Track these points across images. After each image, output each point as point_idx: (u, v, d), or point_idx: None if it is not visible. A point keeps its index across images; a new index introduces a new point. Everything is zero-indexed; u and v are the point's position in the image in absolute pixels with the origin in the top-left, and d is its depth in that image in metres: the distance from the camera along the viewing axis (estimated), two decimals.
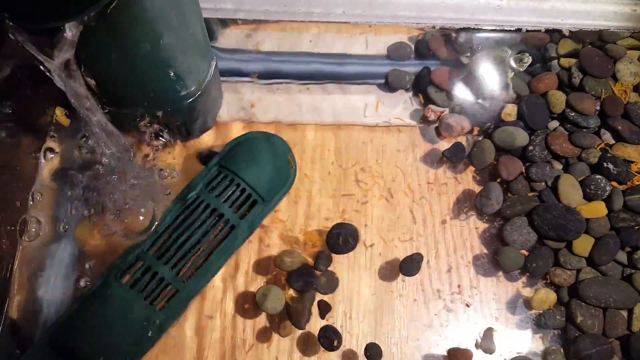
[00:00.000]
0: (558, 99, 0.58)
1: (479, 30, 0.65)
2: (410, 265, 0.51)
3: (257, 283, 0.53)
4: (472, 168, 0.58)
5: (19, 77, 0.49)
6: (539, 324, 0.51)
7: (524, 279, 0.54)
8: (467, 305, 0.52)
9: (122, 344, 0.45)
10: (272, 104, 0.61)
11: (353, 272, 0.54)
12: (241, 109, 0.60)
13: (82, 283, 0.50)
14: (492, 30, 0.65)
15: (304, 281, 0.51)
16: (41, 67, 0.37)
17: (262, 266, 0.54)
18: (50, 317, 0.49)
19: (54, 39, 0.34)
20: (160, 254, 0.47)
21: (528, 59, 0.61)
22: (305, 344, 0.51)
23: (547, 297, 0.51)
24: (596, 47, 0.62)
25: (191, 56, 0.47)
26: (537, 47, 0.63)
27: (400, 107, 0.61)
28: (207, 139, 0.58)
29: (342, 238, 0.52)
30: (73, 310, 0.46)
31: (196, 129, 0.56)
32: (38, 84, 0.50)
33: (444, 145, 0.59)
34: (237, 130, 0.59)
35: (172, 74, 0.45)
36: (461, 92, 0.59)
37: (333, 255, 0.53)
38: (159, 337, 0.47)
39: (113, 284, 0.46)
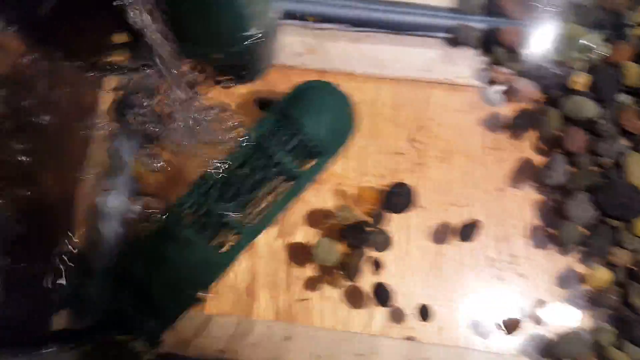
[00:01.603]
0: (632, 71, 0.55)
1: None
2: (468, 231, 0.51)
3: (308, 234, 0.53)
4: (533, 136, 0.56)
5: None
6: (592, 301, 0.50)
7: (578, 254, 0.53)
8: (520, 275, 0.52)
9: (182, 282, 0.46)
10: (330, 52, 0.57)
11: (405, 233, 0.53)
12: (297, 54, 0.57)
13: (141, 217, 0.50)
14: None
15: (358, 237, 0.50)
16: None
17: (313, 218, 0.53)
18: (110, 248, 0.50)
19: None
20: (222, 197, 0.46)
21: (593, 54, 0.56)
22: (353, 296, 0.51)
23: (603, 275, 0.50)
24: None
25: None
26: (613, 13, 0.59)
27: (464, 65, 0.58)
28: (262, 84, 0.56)
29: (399, 198, 0.51)
30: (137, 243, 0.47)
31: (253, 73, 0.53)
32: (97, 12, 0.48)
33: (506, 109, 0.57)
34: (293, 76, 0.56)
35: (242, 14, 0.43)
36: (531, 55, 0.56)
37: (387, 214, 0.52)
38: (216, 278, 0.48)
39: (176, 221, 0.46)
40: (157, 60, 0.40)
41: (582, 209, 0.51)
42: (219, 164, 0.47)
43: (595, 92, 0.55)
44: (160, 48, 0.39)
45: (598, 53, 0.56)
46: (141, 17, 0.36)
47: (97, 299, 0.46)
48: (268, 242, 0.52)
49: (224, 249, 0.47)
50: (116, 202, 0.51)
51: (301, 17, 0.58)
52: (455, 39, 0.58)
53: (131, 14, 0.35)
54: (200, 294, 0.48)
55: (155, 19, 0.38)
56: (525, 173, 0.55)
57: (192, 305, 0.48)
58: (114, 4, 0.35)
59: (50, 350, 0.46)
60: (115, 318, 0.45)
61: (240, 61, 0.49)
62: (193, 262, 0.45)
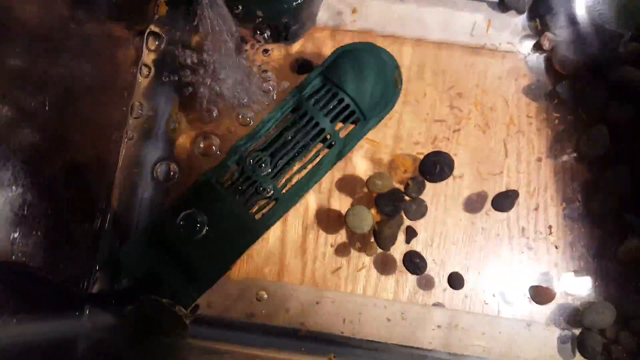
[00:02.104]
0: None
1: None
2: (504, 201, 0.51)
3: (340, 200, 0.53)
4: (576, 106, 0.55)
5: None
6: (623, 272, 0.51)
7: (611, 226, 0.53)
8: (556, 247, 0.52)
9: (217, 246, 0.46)
10: (374, 12, 0.56)
11: (439, 201, 0.53)
12: (339, 13, 0.56)
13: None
14: None
15: (394, 205, 0.50)
16: None
17: (345, 184, 0.53)
18: (144, 211, 0.51)
19: None
20: (261, 163, 0.46)
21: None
22: (384, 264, 0.52)
23: (637, 248, 0.50)
24: None
25: None
26: None
27: (510, 30, 0.56)
28: (302, 46, 0.55)
29: (438, 166, 0.50)
30: (174, 206, 0.46)
31: (295, 34, 0.52)
32: None
33: (551, 78, 0.55)
34: (333, 38, 0.55)
35: None
36: (583, 23, 0.54)
37: (423, 182, 0.52)
38: (251, 244, 0.48)
39: (215, 185, 0.46)
40: (209, 16, 0.39)
41: (620, 181, 0.51)
42: (258, 129, 0.47)
43: None
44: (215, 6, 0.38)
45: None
46: None
47: (133, 262, 0.46)
48: (299, 208, 0.52)
49: (260, 215, 0.47)
50: (153, 164, 0.52)
51: None
52: (503, 3, 0.55)
53: None
54: (233, 260, 0.48)
55: None
56: (565, 143, 0.54)
57: (227, 271, 0.48)
58: None
59: (89, 312, 0.47)
60: (151, 282, 0.45)
61: (284, 21, 0.48)
62: (229, 227, 0.45)
